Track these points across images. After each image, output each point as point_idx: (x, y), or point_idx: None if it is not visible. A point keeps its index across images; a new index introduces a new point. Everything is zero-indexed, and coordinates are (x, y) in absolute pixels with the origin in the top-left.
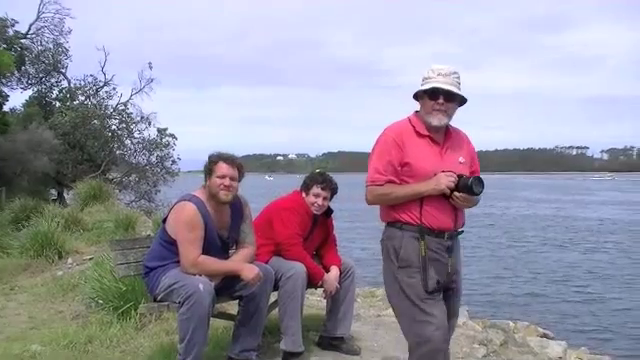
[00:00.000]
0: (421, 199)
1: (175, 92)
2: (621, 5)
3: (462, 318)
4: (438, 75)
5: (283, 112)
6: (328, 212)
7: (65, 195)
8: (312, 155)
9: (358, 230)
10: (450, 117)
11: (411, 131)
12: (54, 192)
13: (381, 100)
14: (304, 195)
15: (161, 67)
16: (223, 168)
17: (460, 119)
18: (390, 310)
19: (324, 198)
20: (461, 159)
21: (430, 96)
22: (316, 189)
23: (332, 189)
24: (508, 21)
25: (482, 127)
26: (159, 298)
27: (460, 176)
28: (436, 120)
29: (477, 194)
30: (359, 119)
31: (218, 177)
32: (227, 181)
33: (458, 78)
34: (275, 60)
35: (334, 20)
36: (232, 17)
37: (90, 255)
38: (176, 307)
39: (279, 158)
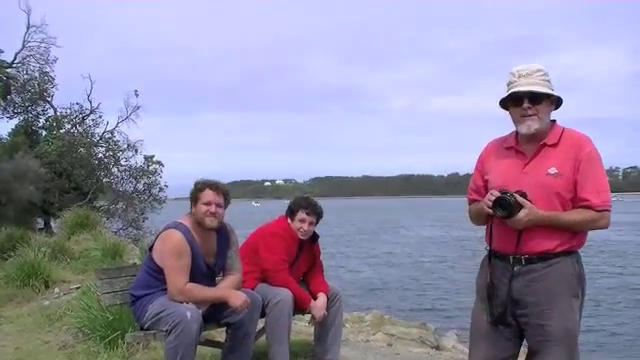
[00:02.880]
0: (492, 220)
1: (159, 119)
2: (599, 29)
3: (451, 341)
4: (519, 77)
5: (269, 138)
6: (314, 237)
7: (52, 224)
8: (299, 180)
9: (347, 255)
10: (543, 121)
11: (500, 144)
12: (40, 221)
13: (366, 124)
14: (289, 221)
15: (144, 94)
16: (209, 195)
17: (446, 144)
18: (379, 335)
19: (310, 223)
20: (552, 170)
21: (515, 102)
22: (301, 214)
23: (317, 214)
24: (488, 45)
25: (468, 150)
26: (146, 326)
27: (504, 193)
28: (525, 128)
29: (497, 215)
30: (345, 144)
31: (204, 204)
32: (213, 208)
33: (545, 76)
34: (257, 86)
35: (315, 45)
36: (212, 43)
37: (77, 284)
38: (163, 335)
39: (266, 184)
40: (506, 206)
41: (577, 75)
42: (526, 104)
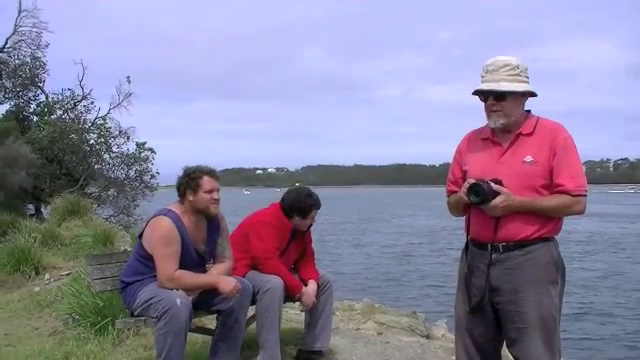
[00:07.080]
0: (470, 209)
1: (151, 106)
2: (593, 21)
3: (441, 330)
4: (487, 73)
5: (261, 126)
6: None
7: (43, 210)
8: (292, 169)
9: (338, 244)
10: (509, 116)
11: (477, 135)
12: (31, 207)
13: (357, 114)
14: (299, 218)
15: (136, 81)
16: (209, 182)
17: (437, 134)
18: (369, 323)
19: (313, 218)
20: (527, 158)
21: (483, 98)
22: (314, 212)
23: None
24: (478, 36)
25: (459, 140)
26: (136, 313)
27: (478, 182)
28: (492, 122)
29: (471, 202)
30: (337, 133)
31: (206, 192)
32: (216, 194)
33: (512, 70)
34: (250, 75)
35: (307, 36)
36: (206, 32)
37: (67, 270)
38: (153, 322)
39: (258, 172)
40: (479, 192)
41: (570, 66)
42: (490, 101)
